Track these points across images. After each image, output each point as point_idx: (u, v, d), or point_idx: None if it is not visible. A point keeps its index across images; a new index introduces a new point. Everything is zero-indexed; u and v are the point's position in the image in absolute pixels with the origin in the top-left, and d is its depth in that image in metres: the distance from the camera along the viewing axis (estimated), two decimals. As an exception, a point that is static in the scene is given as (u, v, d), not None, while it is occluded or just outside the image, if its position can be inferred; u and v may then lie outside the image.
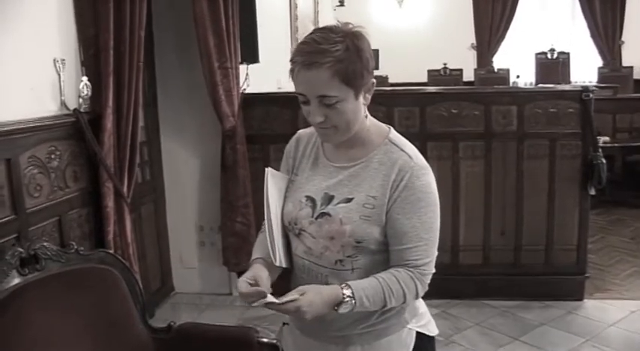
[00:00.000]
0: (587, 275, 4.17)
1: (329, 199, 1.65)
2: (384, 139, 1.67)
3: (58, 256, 2.16)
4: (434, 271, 1.64)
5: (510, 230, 4.16)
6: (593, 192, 4.05)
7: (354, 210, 1.60)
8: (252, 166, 4.03)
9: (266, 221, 1.69)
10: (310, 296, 1.50)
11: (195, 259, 4.39)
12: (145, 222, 3.98)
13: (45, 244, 2.15)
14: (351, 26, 1.58)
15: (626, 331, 3.65)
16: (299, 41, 1.59)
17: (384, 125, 1.72)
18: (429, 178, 1.62)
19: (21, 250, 2.05)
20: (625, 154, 6.74)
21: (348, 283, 1.55)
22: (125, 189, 2.85)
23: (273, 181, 1.74)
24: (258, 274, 1.62)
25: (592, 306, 4.05)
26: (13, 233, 2.22)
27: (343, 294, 1.52)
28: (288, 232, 1.74)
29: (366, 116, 1.64)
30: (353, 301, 1.52)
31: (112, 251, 2.51)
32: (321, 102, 1.55)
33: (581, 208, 4.10)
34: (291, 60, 1.56)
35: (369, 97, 1.62)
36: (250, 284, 1.57)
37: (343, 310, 1.53)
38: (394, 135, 1.69)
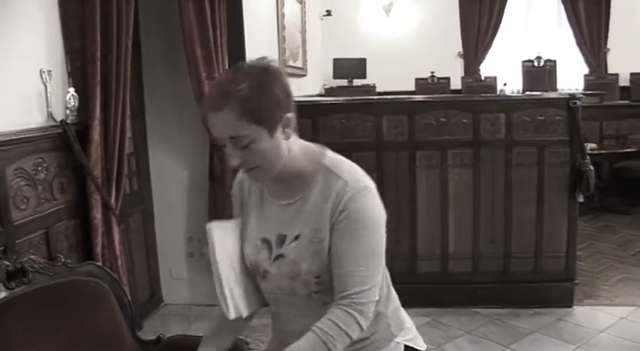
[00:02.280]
0: (576, 282, 4.18)
1: (282, 239, 1.63)
2: (319, 167, 1.61)
3: (45, 269, 2.14)
4: (376, 299, 1.57)
5: (499, 238, 4.17)
6: (581, 199, 4.07)
7: (303, 247, 1.58)
8: (240, 176, 4.01)
9: (215, 279, 1.67)
10: None
11: (184, 270, 4.37)
12: (133, 233, 3.96)
13: (32, 257, 2.13)
14: (263, 62, 1.56)
15: (616, 338, 3.66)
16: (211, 84, 1.58)
17: (317, 150, 1.66)
18: (367, 200, 1.57)
19: (7, 263, 2.03)
20: (612, 161, 6.80)
21: (290, 348, 1.51)
22: (113, 200, 2.83)
23: (222, 233, 1.72)
24: None
25: (582, 313, 4.05)
26: (-1, 246, 2.19)
27: None
28: (255, 274, 1.72)
29: (289, 150, 1.58)
30: None
31: (100, 263, 2.49)
32: (235, 144, 1.51)
33: (570, 215, 4.11)
34: (202, 106, 1.55)
35: (289, 131, 1.56)
36: None
37: None
38: (329, 160, 1.63)
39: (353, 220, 1.54)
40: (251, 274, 1.72)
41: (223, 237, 1.71)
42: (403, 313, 1.80)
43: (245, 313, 1.69)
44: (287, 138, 1.56)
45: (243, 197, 1.78)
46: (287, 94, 1.55)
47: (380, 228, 1.58)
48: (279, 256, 1.62)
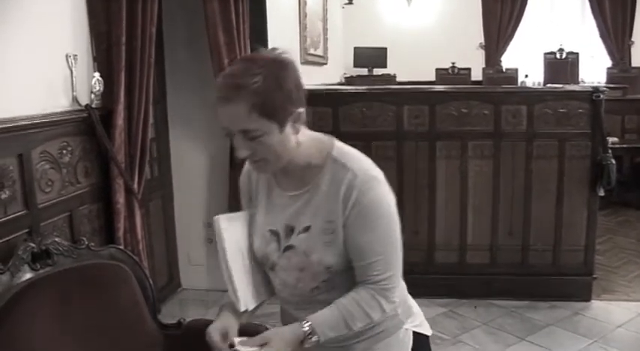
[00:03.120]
0: (594, 276, 4.16)
1: (291, 230, 1.63)
2: (326, 159, 1.60)
3: (69, 251, 2.17)
4: (398, 284, 1.62)
5: (518, 230, 4.17)
6: (602, 193, 4.05)
7: (314, 238, 1.58)
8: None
9: (223, 272, 1.68)
10: (278, 345, 1.52)
11: (202, 256, 4.40)
12: (153, 218, 3.99)
13: (56, 239, 2.16)
14: (277, 53, 1.54)
15: (634, 333, 3.65)
16: (222, 74, 1.55)
17: (326, 140, 1.65)
18: (377, 191, 1.57)
19: (33, 245, 2.06)
20: (633, 155, 6.73)
21: (309, 318, 1.55)
22: (135, 185, 2.85)
23: (230, 225, 1.71)
24: (228, 325, 1.63)
25: (599, 307, 4.04)
26: (24, 228, 2.22)
27: (304, 331, 1.53)
28: (264, 266, 1.73)
29: (297, 143, 1.57)
30: (316, 337, 1.53)
31: (122, 247, 2.51)
32: (244, 136, 1.50)
33: (590, 209, 4.09)
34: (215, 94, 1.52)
35: (298, 126, 1.55)
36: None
37: (310, 345, 1.54)
38: (337, 151, 1.62)
39: (367, 212, 1.55)
40: (261, 266, 1.73)
41: (232, 229, 1.71)
42: (410, 299, 1.80)
43: (252, 306, 1.70)
44: (296, 132, 1.55)
45: (251, 189, 1.78)
46: (299, 88, 1.54)
47: (393, 215, 1.60)
48: (289, 248, 1.62)
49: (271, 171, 1.63)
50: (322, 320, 1.54)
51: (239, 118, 1.47)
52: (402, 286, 1.75)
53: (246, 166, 1.77)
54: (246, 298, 1.68)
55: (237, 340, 1.57)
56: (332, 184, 1.58)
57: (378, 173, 1.59)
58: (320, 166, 1.60)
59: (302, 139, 1.58)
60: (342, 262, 1.58)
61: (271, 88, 1.46)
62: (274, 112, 1.48)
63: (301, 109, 1.54)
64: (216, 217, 1.70)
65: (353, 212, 1.55)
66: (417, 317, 1.79)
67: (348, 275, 1.61)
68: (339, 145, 1.65)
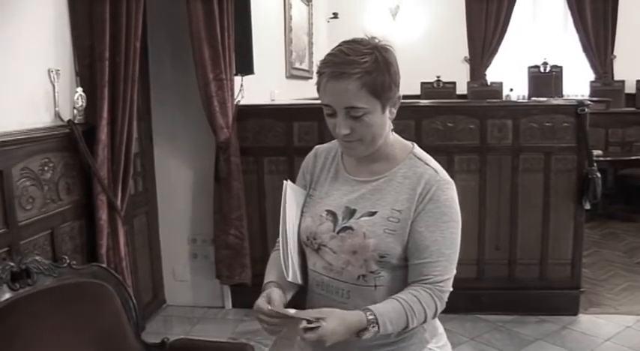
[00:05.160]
0: (582, 290, 4.15)
1: (351, 212, 1.63)
2: (407, 154, 1.67)
3: (50, 270, 2.12)
4: (451, 289, 1.62)
5: (505, 244, 4.15)
6: (588, 206, 4.05)
7: (378, 223, 1.58)
8: (245, 179, 4.01)
9: (281, 235, 1.67)
10: (333, 324, 1.45)
11: (187, 272, 4.35)
12: (137, 234, 3.94)
13: (37, 258, 2.11)
14: (377, 40, 1.58)
15: (622, 347, 3.63)
16: (328, 53, 1.58)
17: (407, 141, 1.72)
18: (453, 194, 1.62)
19: (12, 264, 2.01)
20: (617, 168, 6.77)
21: (371, 308, 1.51)
22: (119, 202, 2.82)
23: (292, 195, 1.73)
24: (273, 297, 1.58)
25: (587, 321, 4.03)
26: (4, 247, 2.18)
27: (368, 320, 1.48)
28: (305, 248, 1.71)
29: (392, 130, 1.65)
30: (376, 328, 1.49)
31: (105, 265, 2.47)
32: (348, 114, 1.54)
33: (576, 223, 4.09)
34: (318, 72, 1.56)
35: (394, 111, 1.61)
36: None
37: (366, 336, 1.49)
38: (418, 150, 1.70)
39: (441, 211, 1.58)
40: (301, 252, 1.73)
41: (292, 200, 1.73)
42: (437, 319, 1.76)
43: (299, 280, 1.69)
44: (392, 117, 1.61)
45: (315, 170, 1.80)
46: (399, 73, 1.58)
47: (460, 222, 1.63)
48: (346, 228, 1.61)
49: (364, 153, 1.64)
50: (385, 311, 1.51)
51: (349, 95, 1.51)
52: None
53: (316, 148, 1.85)
54: (295, 270, 1.67)
55: (291, 311, 1.51)
56: (408, 177, 1.61)
57: (451, 180, 1.65)
58: (400, 159, 1.65)
59: (390, 125, 1.64)
60: (397, 254, 1.58)
61: (381, 69, 1.52)
62: (382, 92, 1.53)
63: (400, 94, 1.60)
64: (286, 181, 1.74)
65: (428, 207, 1.58)
66: (441, 338, 1.77)
67: (395, 274, 1.60)
68: (419, 148, 1.72)
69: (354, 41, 1.57)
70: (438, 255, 1.56)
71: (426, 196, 1.58)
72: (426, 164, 1.64)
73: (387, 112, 1.58)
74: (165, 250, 4.35)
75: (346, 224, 1.62)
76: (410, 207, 1.58)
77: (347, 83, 1.50)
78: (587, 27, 8.80)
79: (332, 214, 1.66)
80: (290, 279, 1.64)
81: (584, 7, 8.75)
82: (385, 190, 1.63)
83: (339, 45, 1.58)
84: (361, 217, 1.61)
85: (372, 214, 1.60)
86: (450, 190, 1.61)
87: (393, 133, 1.68)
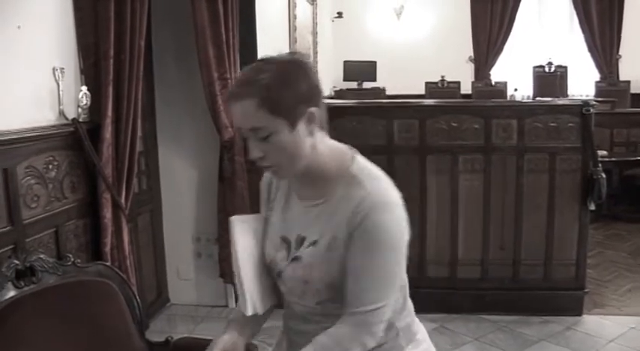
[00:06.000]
0: (586, 290, 4.14)
1: (301, 241, 1.58)
2: (344, 172, 1.55)
3: (54, 268, 2.12)
4: (386, 318, 1.53)
5: (509, 244, 4.14)
6: (592, 207, 4.03)
7: (319, 253, 1.54)
8: (250, 178, 3.99)
9: (235, 272, 1.65)
10: None
11: (191, 271, 4.35)
12: (141, 232, 3.95)
13: (41, 256, 2.12)
14: (294, 55, 1.54)
15: (626, 348, 3.62)
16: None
17: (347, 153, 1.60)
18: (387, 216, 1.49)
19: (17, 262, 2.02)
20: (622, 169, 6.74)
21: None
22: (123, 200, 2.82)
23: (243, 227, 1.69)
24: (233, 342, 1.62)
25: (591, 321, 4.02)
26: (9, 245, 2.18)
27: None
28: (271, 272, 1.69)
29: (313, 148, 1.52)
30: None
31: (109, 263, 2.47)
32: (255, 136, 1.47)
33: (581, 223, 4.08)
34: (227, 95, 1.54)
35: (314, 128, 1.50)
36: None
37: None
38: (357, 166, 1.56)
39: (371, 236, 1.48)
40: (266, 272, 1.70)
41: (246, 231, 1.68)
42: (417, 324, 1.74)
43: (260, 311, 1.66)
44: (311, 134, 1.50)
45: (270, 192, 1.74)
46: (313, 87, 1.50)
47: (399, 244, 1.51)
48: (296, 259, 1.58)
49: (287, 176, 1.59)
50: None
51: (248, 115, 1.45)
52: (409, 308, 1.71)
53: (266, 174, 1.75)
54: (254, 301, 1.65)
55: None
56: (344, 200, 1.52)
57: (394, 198, 1.52)
58: (335, 178, 1.55)
59: (320, 146, 1.53)
60: (344, 281, 1.51)
61: (280, 84, 1.44)
62: (283, 109, 1.44)
63: (314, 109, 1.49)
64: (231, 218, 1.69)
65: (357, 232, 1.48)
66: (419, 343, 1.72)
67: None
68: (360, 160, 1.59)
69: (261, 60, 1.51)
70: (370, 282, 1.49)
71: (355, 221, 1.48)
72: (360, 185, 1.51)
73: (301, 129, 1.47)
74: (169, 249, 4.35)
75: (296, 254, 1.58)
76: (344, 232, 1.50)
77: (244, 103, 1.44)
78: (593, 27, 8.77)
79: (286, 241, 1.62)
80: (249, 313, 1.63)
81: (589, 6, 8.72)
82: (326, 214, 1.54)
83: (252, 63, 1.53)
84: (308, 246, 1.56)
85: (315, 243, 1.54)
86: (385, 213, 1.48)
87: (331, 145, 1.58)
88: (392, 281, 1.52)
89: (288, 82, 1.45)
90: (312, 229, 1.57)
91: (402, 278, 1.62)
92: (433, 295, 4.14)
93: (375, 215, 1.47)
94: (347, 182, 1.54)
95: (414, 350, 1.70)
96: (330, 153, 1.57)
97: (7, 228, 2.18)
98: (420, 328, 1.75)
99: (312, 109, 1.48)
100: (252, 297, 1.64)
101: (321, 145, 1.54)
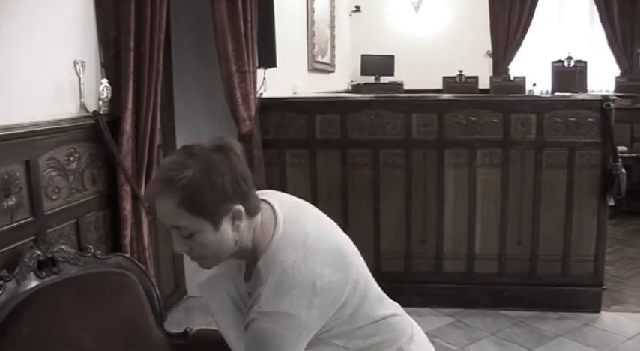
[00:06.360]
0: (604, 287, 4.12)
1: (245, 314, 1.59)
2: (257, 263, 1.51)
3: (75, 259, 2.15)
4: None
5: (527, 240, 4.13)
6: (612, 202, 4.02)
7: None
8: (267, 171, 4.02)
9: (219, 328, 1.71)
10: None
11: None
12: (159, 225, 3.96)
13: (63, 247, 2.14)
14: (219, 141, 1.48)
15: (644, 345, 3.61)
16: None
17: (266, 237, 1.53)
18: (273, 327, 1.44)
19: (39, 252, 2.04)
20: (642, 165, 6.68)
21: None
22: (143, 192, 2.83)
23: (213, 288, 1.72)
24: None
25: (609, 318, 4.00)
26: (31, 235, 2.20)
27: None
28: None
29: (240, 240, 1.50)
30: None
31: (128, 255, 2.49)
32: (178, 233, 1.44)
33: (600, 219, 4.06)
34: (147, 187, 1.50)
35: (239, 223, 1.46)
36: None
37: None
38: (265, 259, 1.50)
39: (251, 343, 1.48)
40: None
41: (219, 286, 1.71)
42: (408, 343, 1.70)
43: None
44: (236, 230, 1.47)
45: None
46: (238, 181, 1.44)
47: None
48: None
49: (211, 266, 1.58)
50: None
51: (169, 214, 1.41)
52: (397, 333, 1.68)
53: None
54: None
55: None
56: (253, 294, 1.51)
57: (288, 305, 1.44)
58: (254, 266, 1.53)
59: (244, 234, 1.50)
60: None
61: (201, 185, 1.38)
62: (206, 211, 1.40)
63: (239, 208, 1.44)
64: (198, 283, 1.73)
65: (247, 333, 1.49)
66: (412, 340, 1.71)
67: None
68: (277, 239, 1.51)
69: (184, 150, 1.46)
70: None
71: (247, 322, 1.48)
72: (262, 282, 1.47)
73: (226, 227, 1.44)
74: (186, 242, 4.37)
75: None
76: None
77: (164, 202, 1.40)
78: (614, 21, 8.69)
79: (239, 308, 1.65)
80: None
81: (610, 1, 8.64)
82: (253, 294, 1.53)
83: (178, 150, 1.49)
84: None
85: (246, 326, 1.52)
86: (269, 323, 1.44)
87: (258, 227, 1.53)
88: None
89: (210, 181, 1.39)
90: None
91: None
92: (450, 289, 4.15)
93: (257, 324, 1.45)
94: (256, 275, 1.51)
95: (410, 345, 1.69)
96: (253, 242, 1.54)
97: (30, 219, 2.20)
98: (413, 346, 1.71)
99: (237, 207, 1.44)
100: (239, 345, 1.65)
101: (247, 235, 1.51)
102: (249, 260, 1.56)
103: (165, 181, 1.39)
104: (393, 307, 1.73)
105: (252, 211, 1.49)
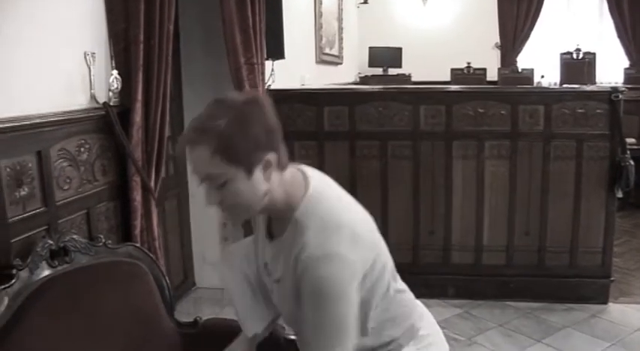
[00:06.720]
0: (612, 279, 4.12)
1: (269, 273, 1.63)
2: (293, 215, 1.52)
3: (86, 248, 2.17)
4: None
5: (535, 231, 4.13)
6: (620, 194, 4.01)
7: (284, 292, 1.56)
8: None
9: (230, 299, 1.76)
10: None
11: (217, 255, 4.39)
12: (168, 217, 4.00)
13: (74, 236, 2.16)
14: (245, 97, 1.49)
15: (652, 337, 3.61)
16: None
17: (298, 194, 1.54)
18: (327, 269, 1.42)
19: (51, 242, 2.06)
20: (651, 157, 6.65)
21: None
22: (152, 183, 2.85)
23: (233, 255, 1.80)
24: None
25: (616, 310, 4.00)
26: (43, 225, 2.23)
27: None
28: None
29: (271, 191, 1.50)
30: None
31: (138, 245, 2.52)
32: (210, 183, 1.45)
33: (608, 211, 4.06)
34: (180, 139, 1.50)
35: (271, 174, 1.47)
36: None
37: None
38: (304, 209, 1.51)
39: (314, 291, 1.44)
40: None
41: (236, 258, 1.78)
42: (419, 321, 1.74)
43: (260, 329, 1.73)
44: (267, 180, 1.47)
45: (254, 224, 1.77)
46: (270, 131, 1.46)
47: (343, 298, 1.45)
48: (278, 281, 1.62)
49: (240, 221, 1.66)
50: None
51: (203, 163, 1.42)
52: (408, 310, 1.71)
53: None
54: (253, 323, 1.73)
55: None
56: (291, 244, 1.50)
57: (336, 247, 1.45)
58: (288, 220, 1.53)
59: (276, 190, 1.51)
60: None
61: (235, 132, 1.40)
62: (238, 158, 1.41)
63: (271, 156, 1.46)
64: (220, 258, 1.76)
65: (302, 284, 1.46)
66: (422, 340, 1.72)
67: None
68: (311, 194, 1.53)
69: (217, 101, 1.47)
70: (315, 335, 1.47)
71: (299, 272, 1.45)
72: (302, 233, 1.47)
73: (258, 176, 1.45)
74: (195, 234, 4.40)
75: (271, 285, 1.62)
76: (295, 278, 1.48)
77: (199, 151, 1.41)
78: (623, 12, 8.64)
79: (266, 266, 1.66)
80: (250, 335, 1.71)
81: (620, -9, 8.59)
82: (283, 254, 1.54)
83: (209, 104, 1.49)
84: (275, 282, 1.59)
85: (278, 281, 1.55)
86: (325, 266, 1.42)
87: (288, 185, 1.53)
88: (343, 332, 1.47)
89: (244, 129, 1.41)
90: (274, 265, 1.60)
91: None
92: (458, 281, 4.16)
93: (313, 270, 1.43)
94: (293, 226, 1.51)
95: (416, 346, 1.71)
96: (285, 195, 1.53)
97: (42, 209, 2.23)
98: (425, 324, 1.75)
99: (269, 156, 1.45)
100: (250, 319, 1.73)
101: (278, 188, 1.51)
102: (279, 216, 1.56)
103: (201, 130, 1.42)
104: (404, 285, 1.76)
105: (282, 163, 1.51)
